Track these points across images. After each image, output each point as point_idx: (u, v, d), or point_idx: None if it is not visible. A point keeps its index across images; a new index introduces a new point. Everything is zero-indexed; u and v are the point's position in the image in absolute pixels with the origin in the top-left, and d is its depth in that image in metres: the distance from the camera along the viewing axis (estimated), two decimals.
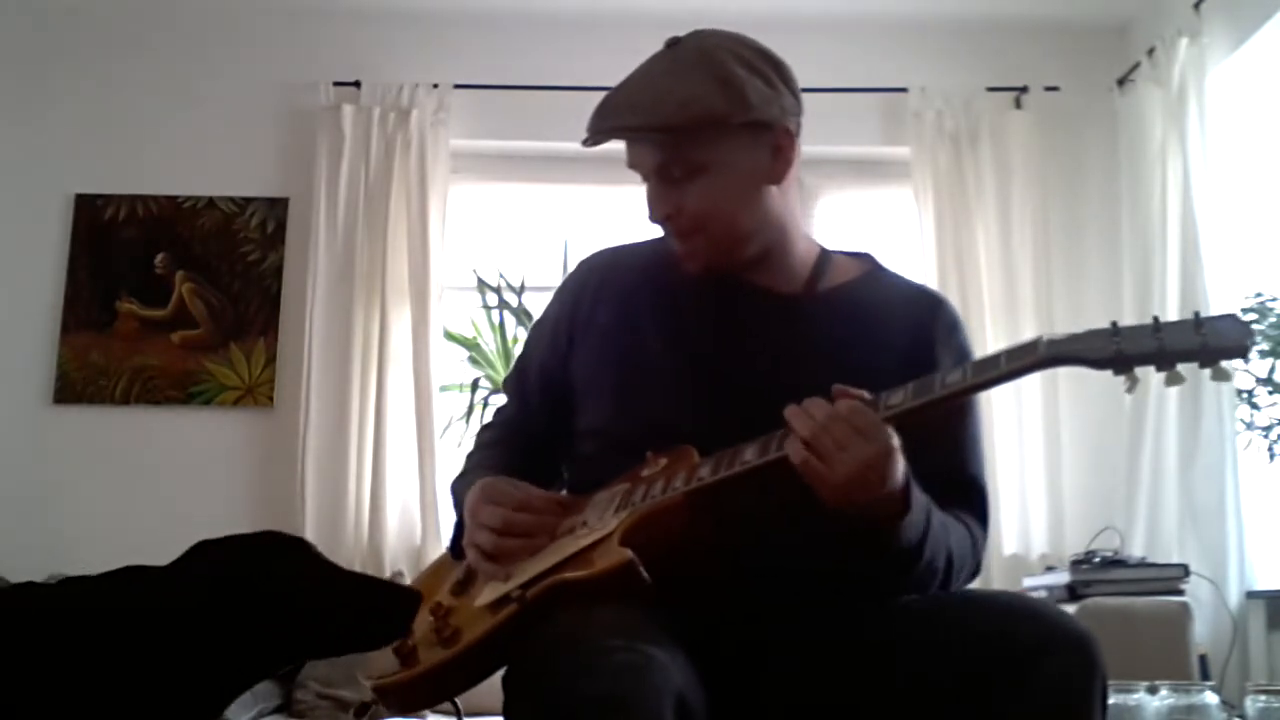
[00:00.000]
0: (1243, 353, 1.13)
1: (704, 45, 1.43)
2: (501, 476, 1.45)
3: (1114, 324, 1.17)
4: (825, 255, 1.55)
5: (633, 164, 1.47)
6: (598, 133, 1.42)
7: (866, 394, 1.23)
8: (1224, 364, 1.14)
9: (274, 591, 1.28)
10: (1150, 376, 1.16)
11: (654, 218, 1.46)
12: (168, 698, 1.29)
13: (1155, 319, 1.16)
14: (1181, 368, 1.15)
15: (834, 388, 1.24)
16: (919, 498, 1.27)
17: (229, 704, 1.38)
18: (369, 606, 1.31)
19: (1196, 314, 1.15)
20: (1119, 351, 1.15)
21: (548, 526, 1.37)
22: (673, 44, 1.45)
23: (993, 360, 1.22)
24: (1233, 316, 1.15)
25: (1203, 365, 1.14)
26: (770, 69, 1.44)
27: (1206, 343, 1.12)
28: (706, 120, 1.38)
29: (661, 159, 1.42)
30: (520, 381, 1.64)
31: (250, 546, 1.33)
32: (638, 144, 1.44)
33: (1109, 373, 1.17)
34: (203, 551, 1.35)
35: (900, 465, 1.22)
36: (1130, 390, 1.17)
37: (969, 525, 1.40)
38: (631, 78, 1.45)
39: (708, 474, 1.29)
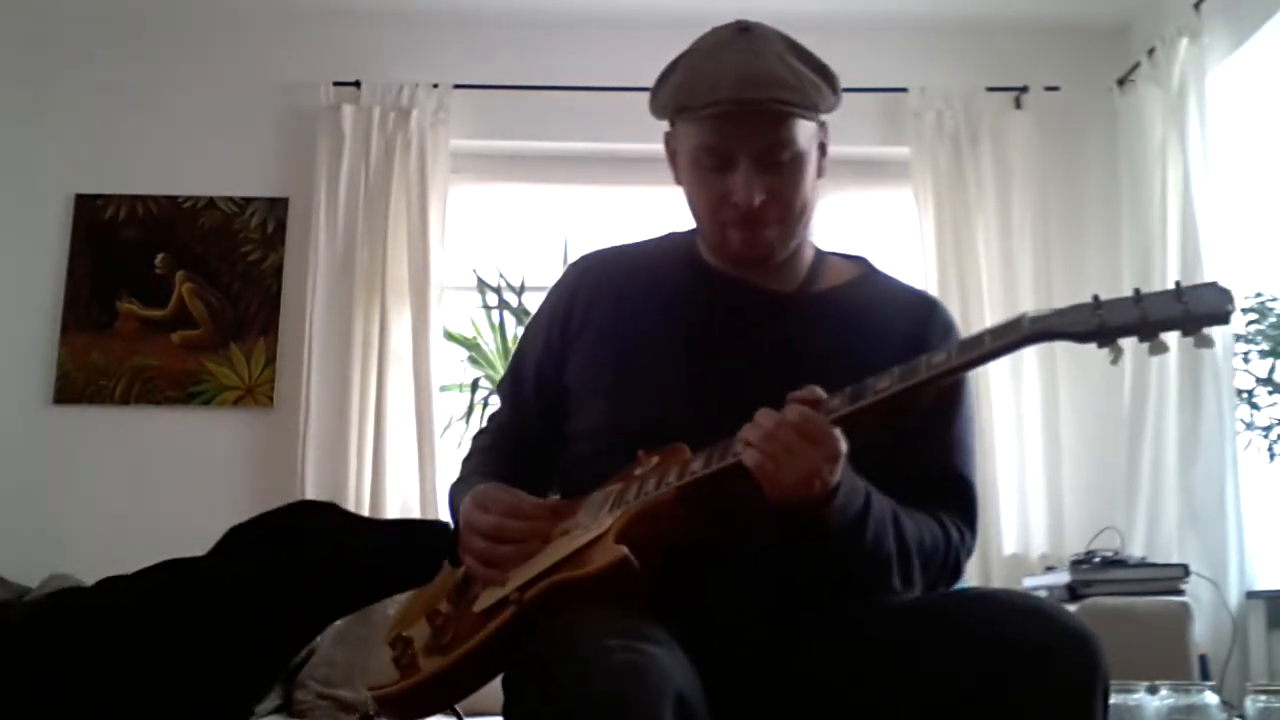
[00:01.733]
0: (1224, 318, 1.13)
1: (780, 33, 1.46)
2: (495, 483, 1.45)
3: (1096, 297, 1.17)
4: (820, 256, 1.56)
5: (726, 146, 1.41)
6: (751, 101, 1.37)
7: (820, 392, 1.25)
8: (1206, 331, 1.14)
9: (319, 549, 1.34)
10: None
11: (746, 201, 1.41)
12: (235, 668, 1.33)
13: (1136, 290, 1.16)
14: (1166, 338, 1.16)
15: (788, 395, 1.25)
16: (855, 483, 1.28)
17: (293, 657, 1.43)
18: (410, 546, 1.37)
19: (1178, 283, 1.16)
20: (1102, 324, 1.15)
21: (539, 531, 1.37)
22: (745, 29, 1.45)
23: (977, 339, 1.21)
24: (1214, 284, 1.15)
25: (1185, 333, 1.14)
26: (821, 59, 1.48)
27: (1188, 310, 1.12)
28: (822, 108, 1.44)
29: (773, 141, 1.40)
30: (515, 385, 1.64)
31: (285, 515, 1.38)
32: (751, 122, 1.39)
33: (1105, 360, 1.16)
34: (239, 534, 1.39)
35: (841, 467, 1.24)
36: (1115, 361, 1.17)
37: (945, 524, 1.40)
38: (745, 53, 1.41)
39: (699, 468, 1.29)
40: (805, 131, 1.42)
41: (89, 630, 1.36)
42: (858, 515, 1.28)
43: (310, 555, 1.37)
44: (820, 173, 1.49)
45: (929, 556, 1.36)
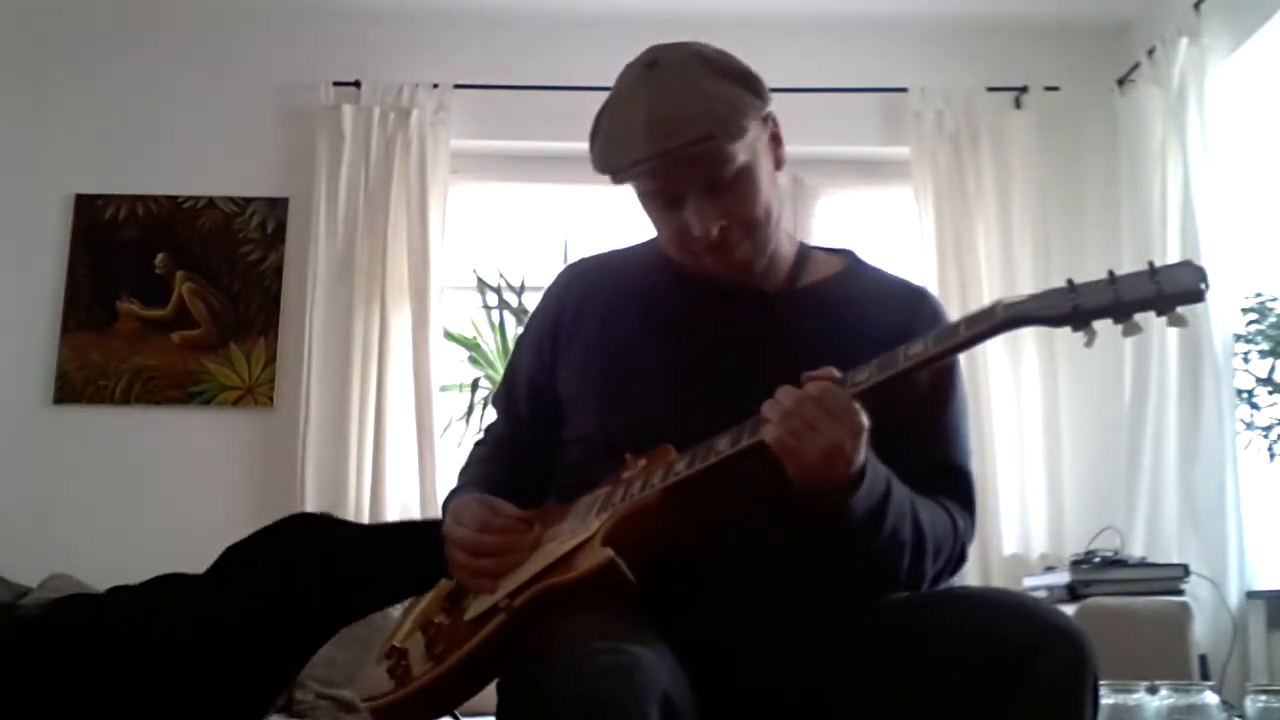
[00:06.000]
0: (1198, 297, 1.13)
1: (689, 52, 1.42)
2: (477, 495, 1.46)
3: (1070, 281, 1.18)
4: (805, 251, 1.55)
5: (665, 189, 1.41)
6: (665, 153, 1.36)
7: (836, 372, 1.24)
8: (1180, 310, 1.14)
9: (318, 565, 1.34)
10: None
11: (705, 234, 1.41)
12: (241, 683, 1.33)
13: (1110, 272, 1.17)
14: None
15: (803, 374, 1.24)
16: (877, 468, 1.27)
17: (299, 669, 1.42)
18: (408, 550, 1.37)
19: (1151, 263, 1.16)
20: (1075, 307, 1.15)
21: (516, 544, 1.37)
22: (651, 64, 1.42)
23: (952, 328, 1.22)
24: (1188, 263, 1.15)
25: (1160, 313, 1.14)
26: (741, 60, 1.45)
27: (1161, 289, 1.13)
28: (753, 115, 1.40)
29: (713, 169, 1.38)
30: (509, 396, 1.64)
31: (281, 532, 1.39)
32: (680, 163, 1.38)
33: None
34: (237, 554, 1.39)
35: (864, 442, 1.23)
36: (1089, 344, 1.17)
37: (950, 510, 1.40)
38: (651, 97, 1.38)
39: (684, 468, 1.29)
40: (742, 144, 1.39)
41: (97, 640, 1.36)
42: (880, 500, 1.27)
43: (311, 572, 1.37)
44: (778, 165, 1.48)
45: (940, 545, 1.36)
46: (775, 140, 1.47)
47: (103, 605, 1.45)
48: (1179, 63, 3.61)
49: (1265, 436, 3.31)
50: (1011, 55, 4.15)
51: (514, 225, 4.22)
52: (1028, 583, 3.44)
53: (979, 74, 4.11)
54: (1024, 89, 4.09)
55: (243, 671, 1.35)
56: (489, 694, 1.27)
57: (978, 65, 4.13)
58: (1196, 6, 3.59)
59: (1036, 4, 4.06)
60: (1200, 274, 1.13)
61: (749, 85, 1.41)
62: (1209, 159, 3.50)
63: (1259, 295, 3.33)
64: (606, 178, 1.44)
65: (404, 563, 1.40)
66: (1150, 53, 3.79)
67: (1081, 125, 4.11)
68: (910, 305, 1.50)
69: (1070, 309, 1.15)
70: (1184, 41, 3.60)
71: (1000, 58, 4.15)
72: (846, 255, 1.58)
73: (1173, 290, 1.13)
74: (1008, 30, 4.15)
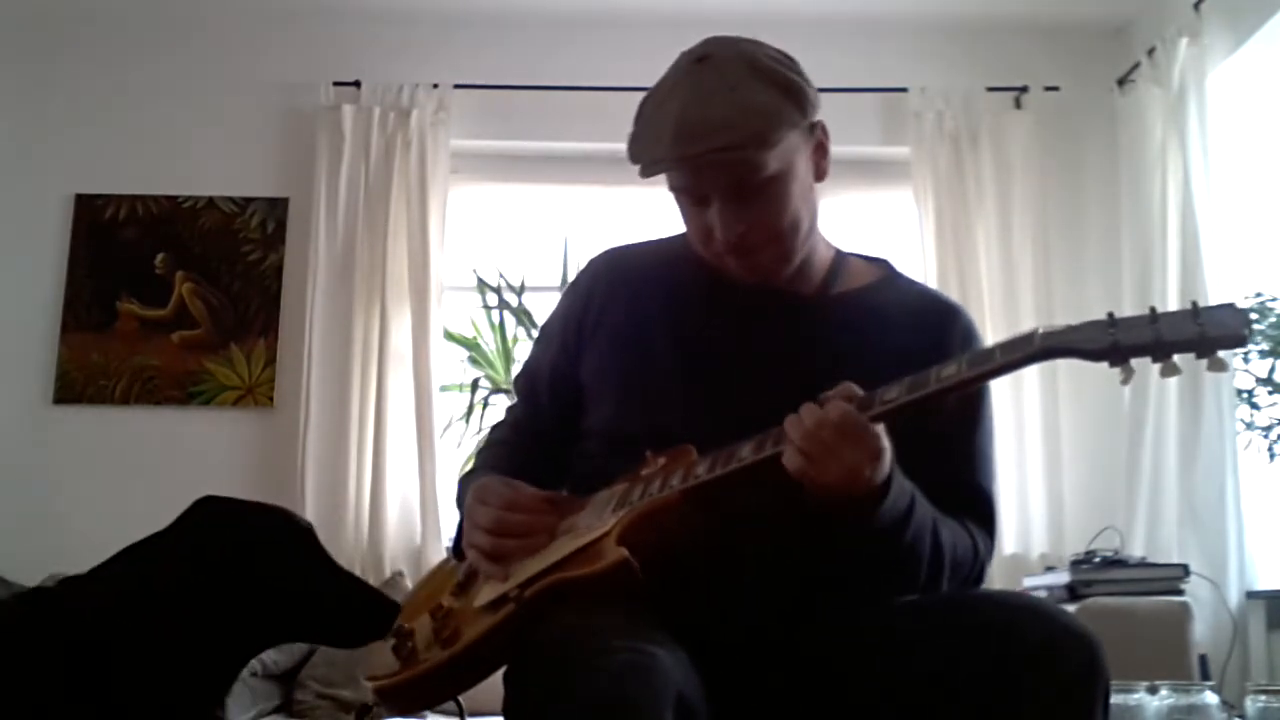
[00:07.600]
0: (1241, 342, 1.10)
1: (741, 53, 1.39)
2: (499, 476, 1.45)
3: (1110, 315, 1.15)
4: (840, 258, 1.53)
5: (692, 188, 1.40)
6: (688, 157, 1.34)
7: (858, 390, 1.23)
8: (1221, 354, 1.11)
9: (266, 574, 1.35)
10: (1149, 372, 1.15)
11: (726, 238, 1.39)
12: (167, 679, 1.33)
13: (1152, 309, 1.14)
14: (1178, 360, 1.14)
15: (822, 394, 1.23)
16: (902, 483, 1.27)
17: (231, 682, 1.41)
18: (350, 608, 1.37)
19: (1194, 303, 1.13)
20: (1115, 343, 1.13)
21: (540, 525, 1.37)
22: (701, 59, 1.39)
23: (988, 353, 1.20)
24: (1231, 306, 1.12)
25: (1200, 355, 1.12)
26: (798, 67, 1.42)
27: (1204, 332, 1.10)
28: (789, 127, 1.37)
29: (740, 175, 1.36)
30: (530, 382, 1.63)
31: (264, 515, 1.39)
32: (706, 167, 1.36)
33: (1105, 366, 1.15)
34: (210, 509, 1.40)
35: (887, 462, 1.22)
36: (1125, 382, 1.15)
37: (971, 531, 1.39)
38: (687, 96, 1.36)
39: (704, 472, 1.29)
40: (774, 154, 1.36)
41: (53, 630, 1.37)
42: (902, 515, 1.27)
43: (266, 565, 1.38)
44: (818, 176, 1.45)
45: (957, 565, 1.36)
46: (820, 151, 1.44)
47: (54, 595, 1.46)
48: (1179, 63, 3.61)
49: (1265, 436, 3.31)
50: (1011, 55, 4.16)
51: (514, 225, 4.22)
52: (1028, 583, 3.44)
53: (979, 74, 4.12)
54: (1024, 89, 4.09)
55: (188, 643, 1.34)
56: (495, 692, 1.27)
57: (978, 65, 4.14)
58: (1196, 6, 3.59)
59: (1036, 4, 4.06)
60: (1244, 319, 1.10)
61: (792, 95, 1.38)
62: (1209, 159, 3.50)
63: (1259, 295, 3.33)
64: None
65: (347, 613, 1.39)
66: (1150, 53, 3.79)
67: (1081, 125, 4.11)
68: (942, 321, 1.48)
69: (1109, 344, 1.12)
70: (1184, 41, 3.60)
71: (1000, 58, 4.15)
72: (883, 265, 1.56)
73: (1216, 333, 1.10)
74: (1008, 30, 4.15)
